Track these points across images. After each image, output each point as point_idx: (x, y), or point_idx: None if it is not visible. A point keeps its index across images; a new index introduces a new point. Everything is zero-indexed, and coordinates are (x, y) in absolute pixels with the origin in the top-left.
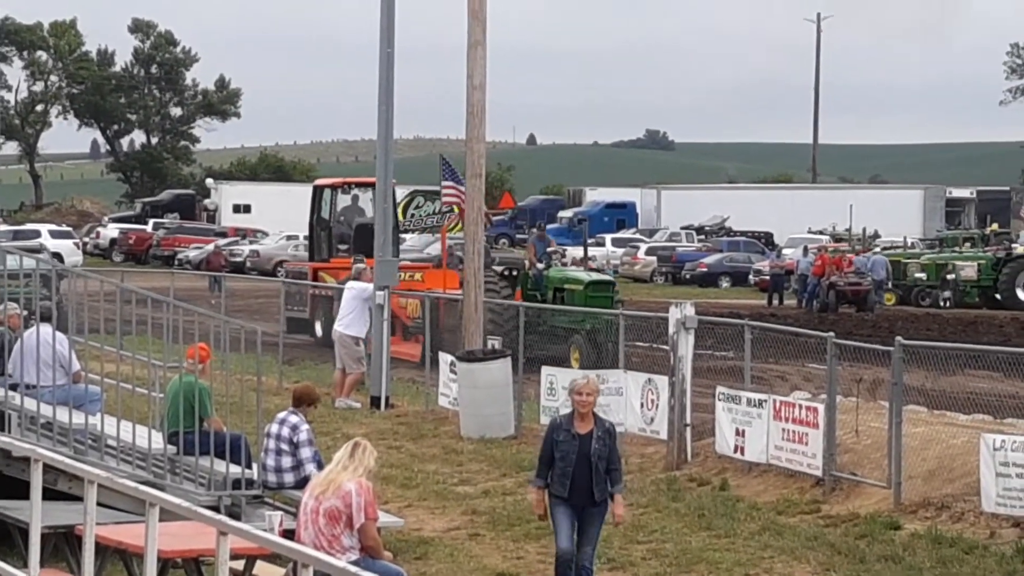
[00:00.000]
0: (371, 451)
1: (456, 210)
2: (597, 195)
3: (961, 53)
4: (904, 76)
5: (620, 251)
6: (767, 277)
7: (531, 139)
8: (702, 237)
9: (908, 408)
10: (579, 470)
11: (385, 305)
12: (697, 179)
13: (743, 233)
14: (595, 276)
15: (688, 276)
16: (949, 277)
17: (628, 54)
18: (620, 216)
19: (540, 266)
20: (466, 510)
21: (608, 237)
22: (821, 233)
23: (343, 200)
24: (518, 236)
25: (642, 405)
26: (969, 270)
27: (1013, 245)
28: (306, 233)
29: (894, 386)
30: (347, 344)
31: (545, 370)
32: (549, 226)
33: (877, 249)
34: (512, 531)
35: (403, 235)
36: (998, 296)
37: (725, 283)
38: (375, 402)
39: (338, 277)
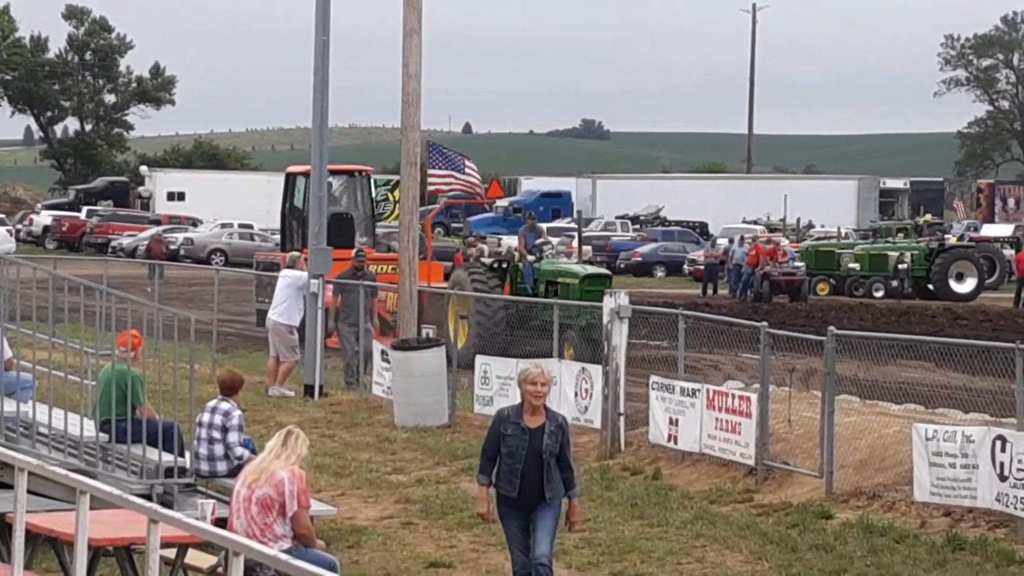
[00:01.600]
0: (304, 439)
1: (432, 198)
2: (532, 184)
3: (896, 44)
4: (839, 67)
5: (555, 240)
6: (701, 267)
7: (467, 128)
8: (637, 227)
9: (840, 398)
10: (529, 467)
11: (320, 294)
12: (632, 168)
13: (678, 223)
14: (591, 269)
15: (623, 265)
16: (901, 267)
17: (565, 43)
18: (555, 205)
19: (531, 259)
20: (399, 499)
21: (544, 226)
22: (756, 223)
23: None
24: (453, 225)
25: (576, 394)
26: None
27: (946, 236)
28: (242, 221)
29: (827, 376)
30: (281, 332)
31: (479, 359)
32: (484, 215)
33: (784, 242)
34: (445, 520)
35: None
36: (931, 286)
37: (660, 272)
38: (309, 390)
39: None
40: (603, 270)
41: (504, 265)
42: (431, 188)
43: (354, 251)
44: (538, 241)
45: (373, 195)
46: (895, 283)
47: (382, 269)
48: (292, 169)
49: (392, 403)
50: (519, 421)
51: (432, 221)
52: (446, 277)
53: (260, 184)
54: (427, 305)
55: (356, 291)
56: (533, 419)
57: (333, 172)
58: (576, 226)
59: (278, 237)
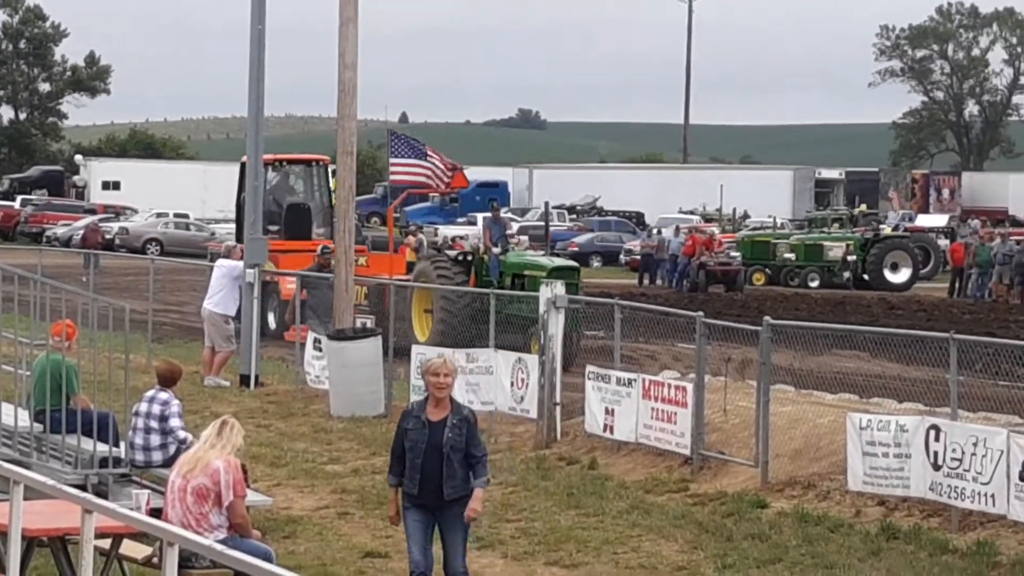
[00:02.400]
0: (239, 429)
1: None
2: (469, 174)
3: (832, 35)
4: (775, 57)
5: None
6: (638, 257)
7: (403, 117)
8: (573, 216)
9: (776, 387)
10: (429, 462)
11: (255, 283)
12: (569, 158)
13: (614, 213)
14: (558, 262)
15: (559, 255)
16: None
17: (501, 33)
18: (492, 195)
19: (496, 251)
20: (335, 489)
21: (480, 216)
22: (692, 213)
23: (273, 178)
24: None
25: (512, 384)
26: (837, 251)
27: (881, 226)
28: (177, 211)
29: (762, 366)
30: (216, 322)
31: (416, 348)
32: (420, 204)
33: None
34: (381, 510)
35: None
36: (866, 276)
37: (596, 263)
38: (245, 380)
39: (275, 260)
40: (571, 262)
41: (469, 258)
42: (392, 177)
43: (320, 248)
44: (506, 233)
45: (331, 185)
46: (846, 274)
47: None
48: (247, 158)
49: (328, 393)
50: (421, 415)
51: (386, 210)
52: (409, 269)
53: (196, 173)
54: (389, 298)
55: (321, 287)
56: (436, 412)
57: (290, 162)
58: (513, 216)
59: (214, 227)
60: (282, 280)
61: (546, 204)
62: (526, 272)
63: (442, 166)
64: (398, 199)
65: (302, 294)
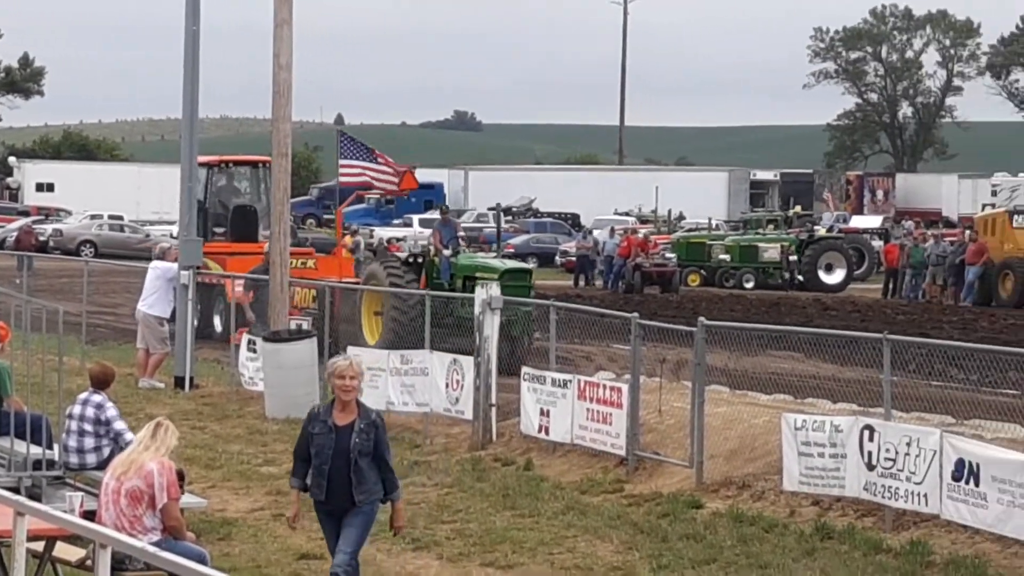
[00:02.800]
0: (173, 431)
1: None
2: None
3: (766, 37)
4: (710, 59)
5: (428, 232)
6: (573, 258)
7: (339, 119)
8: (509, 218)
9: (711, 388)
10: (336, 468)
11: (190, 285)
12: (505, 160)
13: (550, 214)
14: (510, 264)
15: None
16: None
17: (436, 34)
18: (428, 197)
19: (446, 253)
20: (270, 490)
21: (416, 218)
22: (627, 215)
23: (219, 179)
24: (325, 216)
25: (447, 385)
26: (772, 252)
27: (815, 227)
28: (112, 213)
29: (697, 366)
30: (151, 324)
31: (350, 349)
32: (357, 207)
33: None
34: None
35: None
36: (800, 277)
37: (532, 264)
38: (179, 382)
39: (222, 263)
40: (523, 264)
41: (420, 260)
42: (341, 179)
43: (267, 246)
44: (458, 234)
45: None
46: (787, 274)
47: (293, 264)
48: (199, 160)
49: (263, 395)
50: (327, 419)
51: (321, 211)
52: (358, 268)
53: (130, 175)
54: (339, 301)
55: (268, 287)
56: (343, 416)
57: (236, 163)
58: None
59: (148, 228)
60: (228, 282)
61: (498, 206)
62: (477, 274)
63: (390, 169)
64: (347, 201)
65: (249, 296)
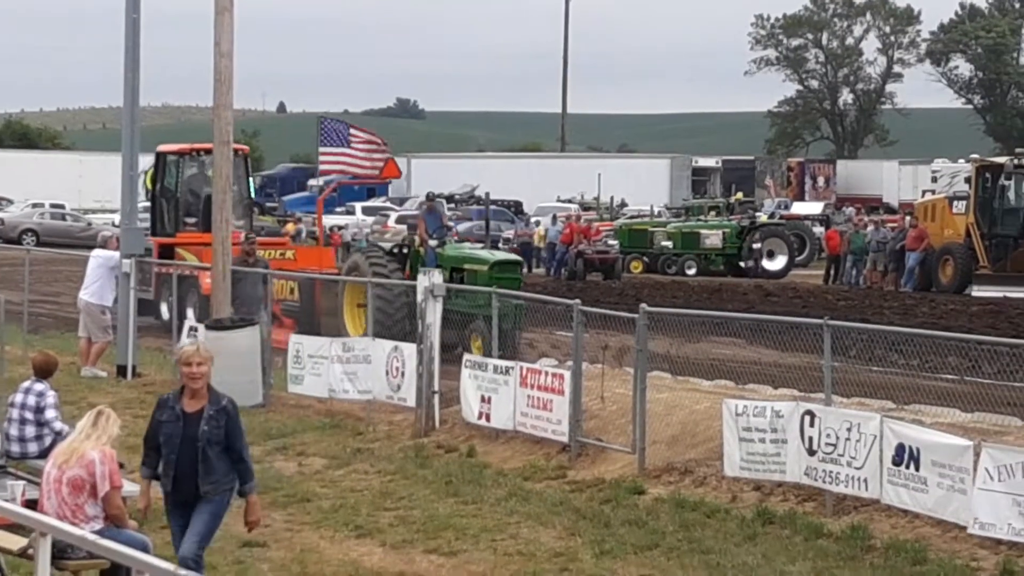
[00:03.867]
0: (115, 419)
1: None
2: None
3: (707, 24)
4: (652, 46)
5: (370, 219)
6: (516, 246)
7: (281, 107)
8: (452, 206)
9: (653, 374)
10: (183, 457)
11: (132, 274)
12: (447, 148)
13: (493, 202)
14: (500, 255)
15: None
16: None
17: (379, 22)
18: (370, 185)
19: (432, 243)
20: None
21: (358, 205)
22: (570, 202)
23: (190, 168)
24: (268, 204)
25: (387, 373)
26: (714, 238)
27: (757, 214)
28: (53, 201)
29: (639, 353)
30: (93, 313)
31: (293, 338)
32: (299, 194)
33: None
34: (260, 499)
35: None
36: (742, 264)
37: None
38: (122, 371)
39: (197, 254)
40: (513, 255)
41: (404, 250)
42: (321, 168)
43: (244, 236)
44: (447, 223)
45: (251, 176)
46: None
47: (270, 254)
48: (163, 148)
49: None
50: (176, 406)
51: (263, 199)
52: (341, 250)
53: (72, 163)
54: (320, 292)
55: (247, 279)
56: (192, 403)
57: (207, 152)
58: (391, 205)
59: (91, 217)
60: (201, 274)
61: (487, 195)
62: (466, 266)
63: (367, 149)
64: (327, 190)
65: None
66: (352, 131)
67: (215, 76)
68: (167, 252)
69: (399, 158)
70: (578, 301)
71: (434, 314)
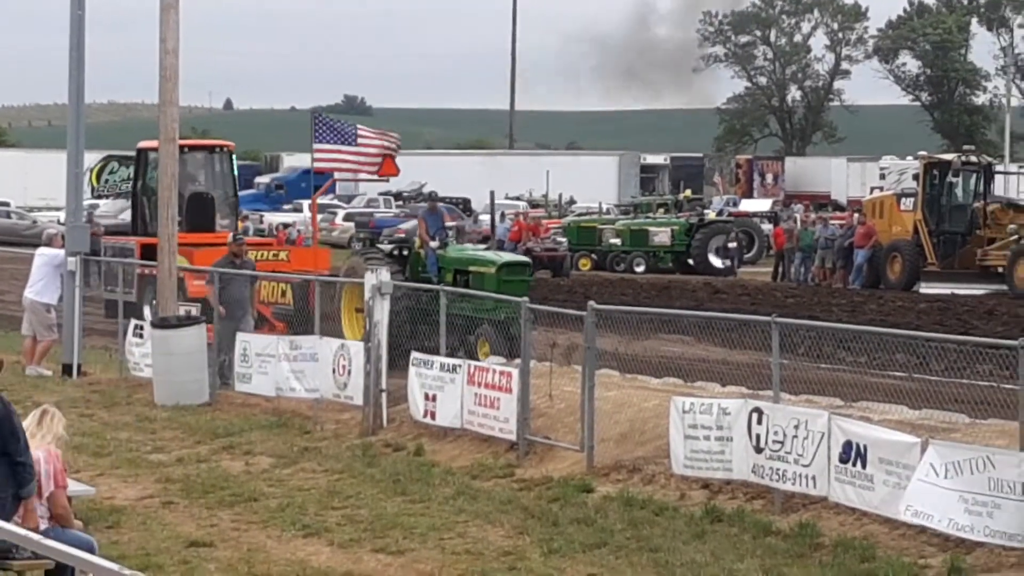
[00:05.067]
0: (60, 418)
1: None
2: (295, 160)
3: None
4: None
5: (319, 217)
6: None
7: (228, 104)
8: (400, 203)
9: (601, 372)
10: None
11: (77, 272)
12: None
13: (441, 199)
14: (507, 257)
15: (386, 242)
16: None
17: (326, 18)
18: (318, 182)
19: (434, 244)
20: (160, 478)
21: (305, 203)
22: (518, 199)
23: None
24: None
25: (334, 371)
26: (663, 236)
27: (705, 211)
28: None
29: (587, 350)
30: (38, 311)
31: (240, 336)
32: (244, 192)
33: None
34: (206, 499)
35: (97, 200)
36: (691, 261)
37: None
38: (67, 370)
39: (190, 256)
40: (521, 257)
41: (404, 252)
42: (316, 165)
43: (230, 235)
44: (447, 224)
45: (236, 173)
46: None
47: (259, 256)
48: (144, 144)
49: (152, 382)
50: None
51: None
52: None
53: (17, 161)
54: (314, 295)
55: (235, 281)
56: None
57: (191, 148)
58: (338, 203)
59: (36, 215)
60: (188, 276)
61: (491, 195)
62: (471, 268)
63: (373, 149)
64: (322, 188)
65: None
66: (361, 131)
67: (161, 73)
68: (150, 252)
69: None
70: (526, 299)
71: (382, 312)
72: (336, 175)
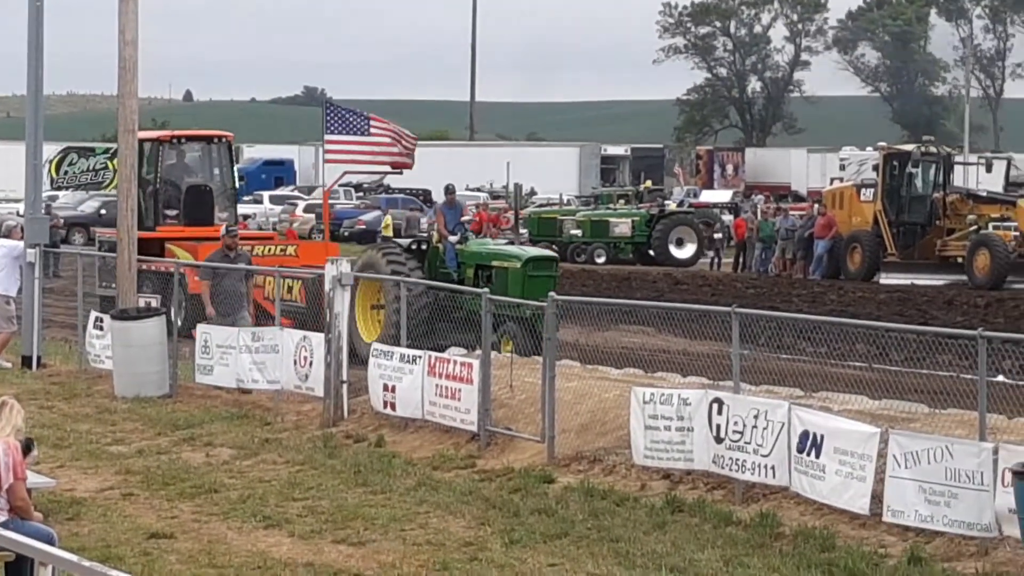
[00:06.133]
0: (19, 410)
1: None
2: (255, 152)
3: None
4: (559, 34)
5: (278, 208)
6: (425, 234)
7: (188, 95)
8: (360, 194)
9: (562, 363)
10: None
11: (37, 263)
12: None
13: (401, 190)
14: (532, 251)
15: (346, 233)
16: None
17: (285, 9)
18: (278, 173)
19: (453, 239)
20: (120, 470)
21: (266, 195)
22: (479, 190)
23: (169, 157)
24: None
25: (296, 362)
26: (623, 227)
27: (666, 202)
28: None
29: (548, 341)
30: None
31: (200, 327)
32: None
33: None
34: (167, 490)
35: (56, 191)
36: (651, 252)
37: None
38: (27, 362)
39: (194, 252)
40: (548, 251)
41: (423, 247)
42: (327, 157)
43: (224, 227)
44: (462, 219)
45: (235, 165)
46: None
47: (266, 251)
48: (144, 135)
49: (112, 374)
50: None
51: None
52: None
53: None
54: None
55: (230, 275)
56: None
57: (188, 139)
58: (299, 195)
59: None
60: (189, 272)
61: (516, 187)
62: (494, 263)
63: (389, 140)
64: (334, 181)
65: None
66: (374, 121)
67: (120, 64)
68: (146, 247)
69: (307, 146)
70: (487, 290)
71: (342, 303)
72: (348, 167)
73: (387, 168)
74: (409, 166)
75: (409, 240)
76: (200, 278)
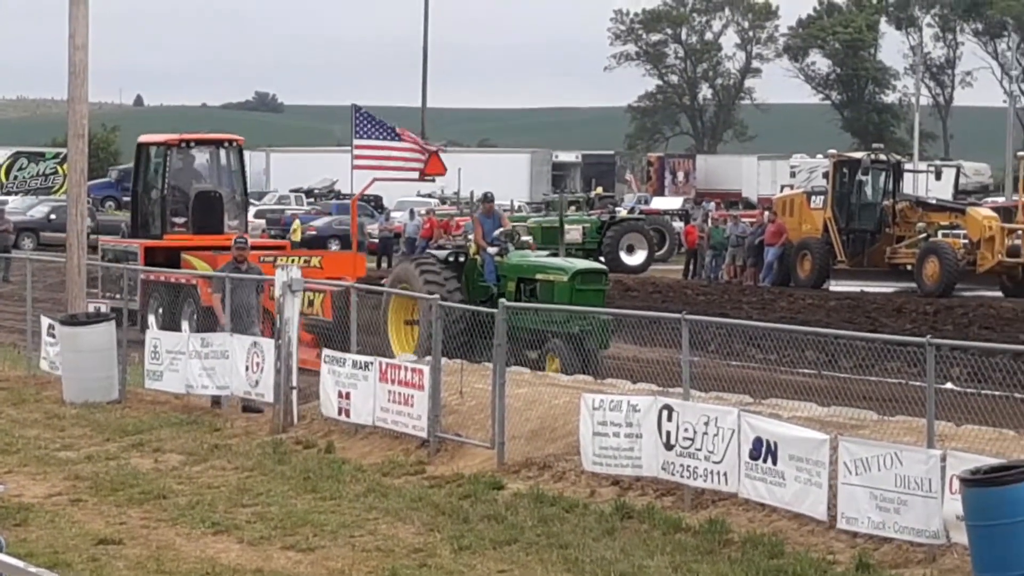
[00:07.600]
0: None
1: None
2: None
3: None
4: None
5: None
6: (376, 240)
7: (138, 100)
8: (311, 200)
9: (512, 369)
10: None
11: None
12: (306, 141)
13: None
14: (581, 264)
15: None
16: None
17: (235, 14)
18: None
19: (492, 251)
20: (68, 475)
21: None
22: (430, 196)
23: (177, 162)
24: (124, 199)
25: (247, 368)
26: (575, 233)
27: (617, 208)
28: None
29: (498, 347)
30: None
31: (149, 333)
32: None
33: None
34: (115, 496)
35: (5, 196)
36: (603, 259)
37: (334, 246)
38: None
39: (213, 262)
40: (597, 264)
41: (460, 259)
42: (356, 162)
43: (234, 239)
44: (500, 230)
45: (246, 170)
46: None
47: (294, 262)
48: (145, 139)
49: (61, 379)
50: None
51: (100, 195)
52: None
53: None
54: (355, 307)
55: (241, 287)
56: None
57: (197, 143)
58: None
59: None
60: (201, 283)
61: (562, 196)
62: (538, 276)
63: (415, 147)
64: (364, 187)
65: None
66: (400, 130)
67: (70, 69)
68: (153, 257)
69: (257, 152)
70: (437, 296)
71: (292, 309)
72: (377, 174)
73: (415, 175)
74: (442, 172)
75: (446, 252)
76: (212, 291)
